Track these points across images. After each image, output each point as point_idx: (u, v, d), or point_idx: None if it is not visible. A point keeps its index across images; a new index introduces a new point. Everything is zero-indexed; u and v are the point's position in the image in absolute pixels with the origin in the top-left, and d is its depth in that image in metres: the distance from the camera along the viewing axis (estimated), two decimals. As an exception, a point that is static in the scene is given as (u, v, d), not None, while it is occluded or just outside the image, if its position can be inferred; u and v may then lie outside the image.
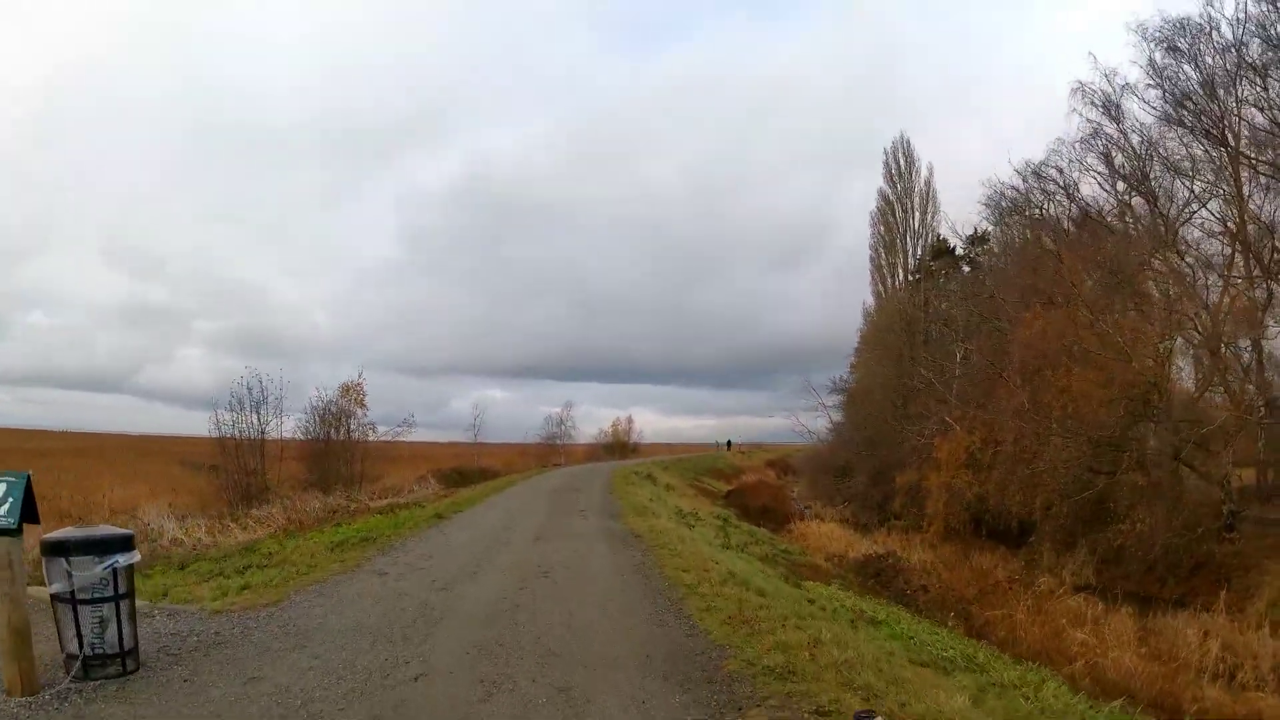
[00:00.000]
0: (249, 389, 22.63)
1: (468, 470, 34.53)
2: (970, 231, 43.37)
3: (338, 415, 25.56)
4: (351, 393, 26.67)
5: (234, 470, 21.24)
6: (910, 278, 50.21)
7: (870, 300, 57.19)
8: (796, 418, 46.48)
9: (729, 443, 78.91)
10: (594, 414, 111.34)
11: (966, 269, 48.10)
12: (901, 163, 50.40)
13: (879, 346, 50.72)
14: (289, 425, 25.28)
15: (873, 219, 53.93)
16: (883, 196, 52.09)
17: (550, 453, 56.44)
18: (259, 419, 22.66)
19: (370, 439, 27.49)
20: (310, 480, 23.75)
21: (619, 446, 63.40)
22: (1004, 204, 32.94)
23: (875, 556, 20.07)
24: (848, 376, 54.74)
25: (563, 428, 57.86)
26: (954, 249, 49.98)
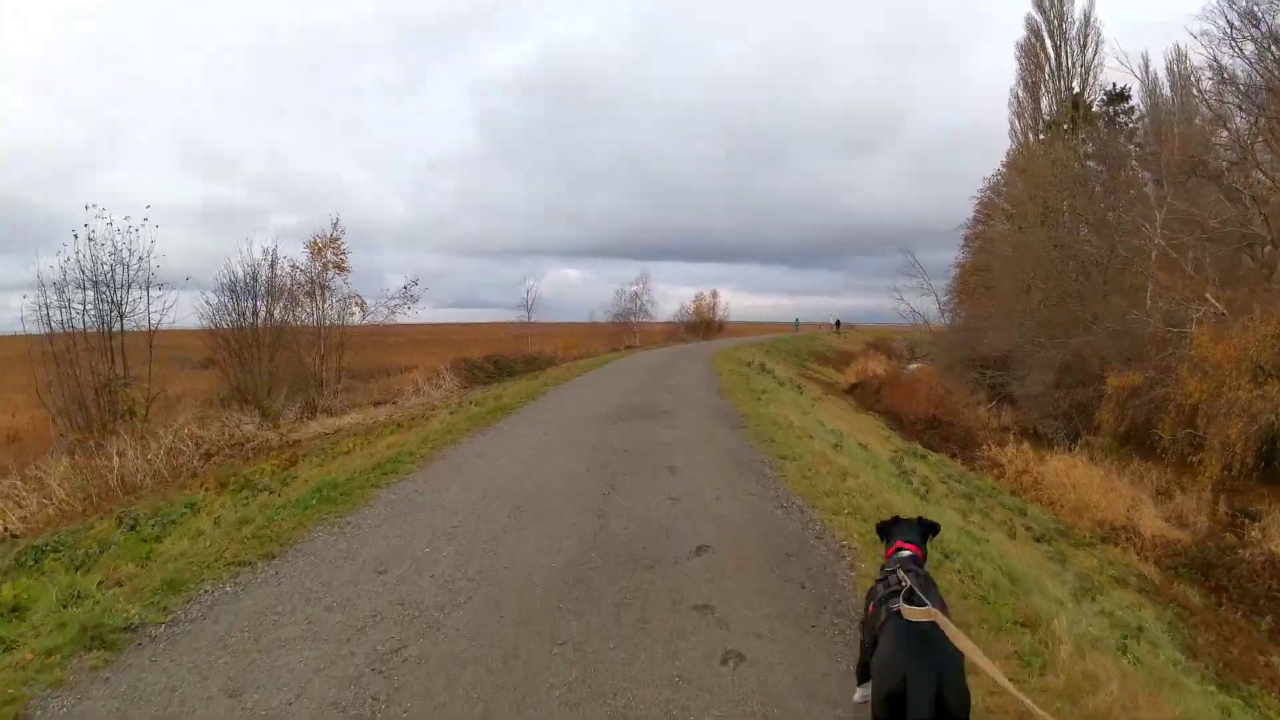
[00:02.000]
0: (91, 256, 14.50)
1: (507, 360, 26.83)
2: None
3: (280, 289, 17.56)
4: (323, 252, 18.72)
5: (70, 384, 13.55)
6: (1066, 124, 39.33)
7: (1011, 150, 46.87)
8: (902, 298, 41.94)
9: (837, 322, 69.98)
10: (670, 293, 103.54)
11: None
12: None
13: (1027, 206, 40.58)
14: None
15: (1018, 51, 42.98)
16: (1030, 27, 41.06)
17: (623, 332, 48.55)
18: (111, 298, 14.72)
19: (354, 320, 19.64)
20: (227, 391, 16.27)
21: (703, 325, 55.12)
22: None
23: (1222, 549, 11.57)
24: (960, 253, 50.62)
25: (638, 303, 49.70)
26: (1126, 91, 39.16)
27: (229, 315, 17.21)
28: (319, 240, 18.68)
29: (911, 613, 2.59)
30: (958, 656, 2.45)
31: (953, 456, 18.78)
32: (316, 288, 18.54)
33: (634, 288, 49.98)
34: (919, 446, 17.24)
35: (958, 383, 34.97)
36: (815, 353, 47.90)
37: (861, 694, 3.25)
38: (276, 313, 17.63)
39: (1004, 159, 52.05)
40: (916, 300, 51.18)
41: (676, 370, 20.65)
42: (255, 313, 17.65)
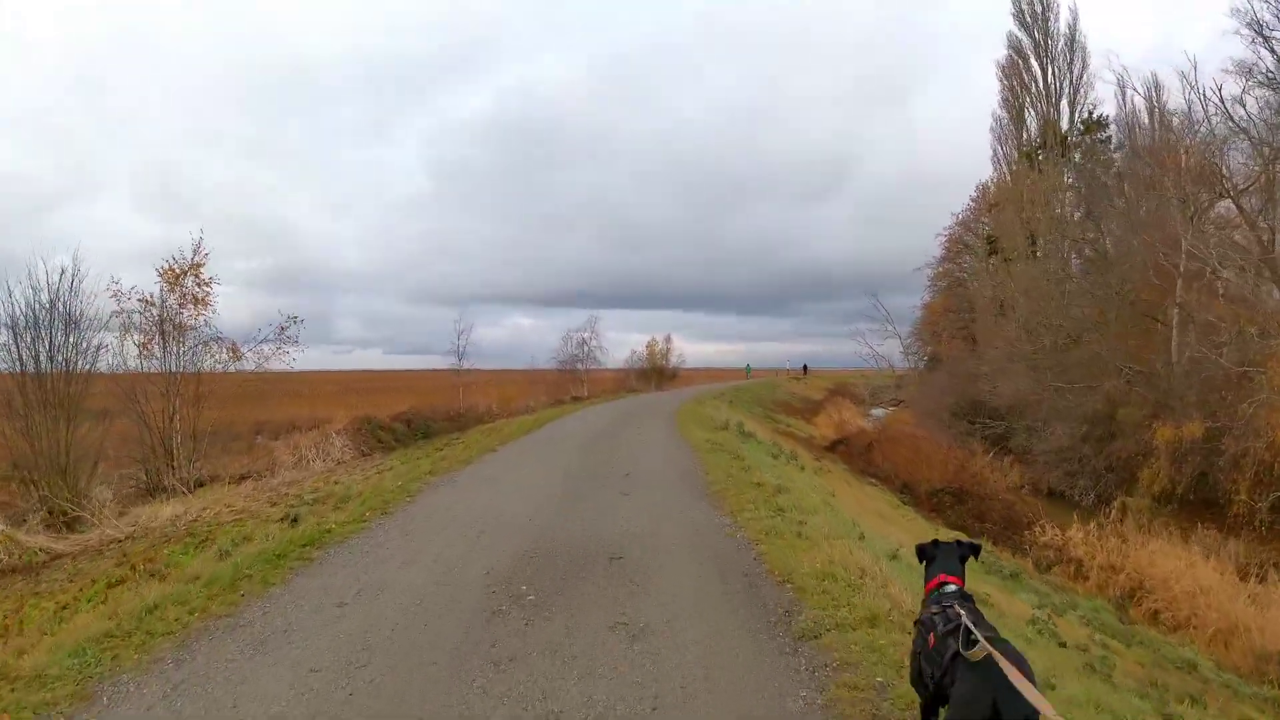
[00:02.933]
0: None
1: (423, 418, 21.78)
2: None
3: (87, 321, 12.22)
4: (180, 281, 13.69)
5: None
6: (1058, 148, 36.40)
7: (992, 179, 44.06)
8: (866, 341, 39.94)
9: (804, 367, 66.37)
10: (622, 339, 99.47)
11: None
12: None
13: (1017, 237, 37.36)
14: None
15: (1000, 71, 40.27)
16: (1012, 44, 38.41)
17: (569, 381, 43.66)
18: None
19: (220, 366, 14.48)
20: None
21: (655, 373, 50.46)
22: None
23: None
24: (926, 293, 50.34)
25: (585, 349, 44.88)
26: (1104, 119, 36.54)
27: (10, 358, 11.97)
28: (174, 266, 13.60)
29: (973, 654, 2.70)
30: (1032, 675, 2.61)
31: (994, 542, 14.39)
32: (170, 327, 13.49)
33: (583, 333, 45.20)
34: (947, 531, 12.82)
35: (941, 432, 30.91)
36: (779, 402, 43.74)
37: None
38: (83, 357, 12.41)
39: (973, 193, 49.51)
40: (879, 344, 49.42)
41: (634, 438, 15.31)
42: (52, 356, 12.41)
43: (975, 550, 3.45)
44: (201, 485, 13.09)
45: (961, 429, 31.49)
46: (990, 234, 41.06)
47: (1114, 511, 19.76)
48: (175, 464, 13.29)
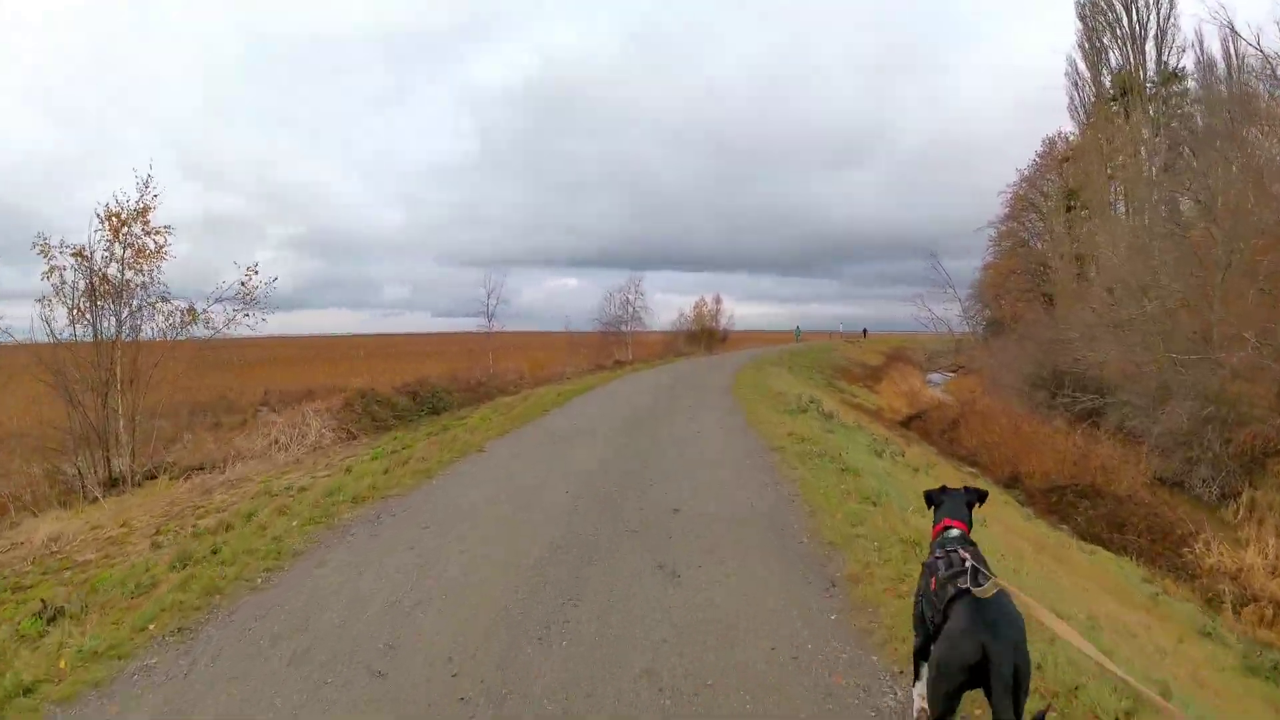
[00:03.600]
0: None
1: (434, 390, 19.35)
2: None
3: None
4: (124, 229, 11.38)
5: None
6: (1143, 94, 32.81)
7: (1070, 131, 40.58)
8: (925, 304, 42.27)
9: (864, 331, 63.58)
10: (663, 301, 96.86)
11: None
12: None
13: (1098, 187, 34.02)
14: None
15: (1080, 10, 36.68)
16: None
17: (613, 344, 41.41)
18: None
19: (174, 334, 12.06)
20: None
21: (705, 335, 47.91)
22: None
23: None
24: (991, 247, 48.62)
25: (630, 310, 42.49)
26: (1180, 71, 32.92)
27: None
28: (117, 211, 11.35)
29: (983, 591, 2.73)
30: (1023, 625, 2.67)
31: (1142, 560, 11.94)
32: (104, 284, 11.26)
33: (626, 293, 42.74)
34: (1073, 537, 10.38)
35: (1019, 404, 28.14)
36: (838, 367, 40.95)
37: (920, 689, 3.28)
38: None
39: (1039, 147, 45.93)
40: (938, 307, 48.87)
41: (685, 429, 11.81)
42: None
43: (982, 497, 3.52)
44: (153, 479, 10.99)
45: (1040, 400, 28.74)
46: (1071, 187, 37.60)
47: (1241, 508, 17.27)
48: (110, 454, 11.08)
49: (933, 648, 2.89)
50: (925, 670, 3.10)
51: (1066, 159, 44.37)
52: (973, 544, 3.16)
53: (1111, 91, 34.04)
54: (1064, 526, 13.98)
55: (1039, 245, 51.22)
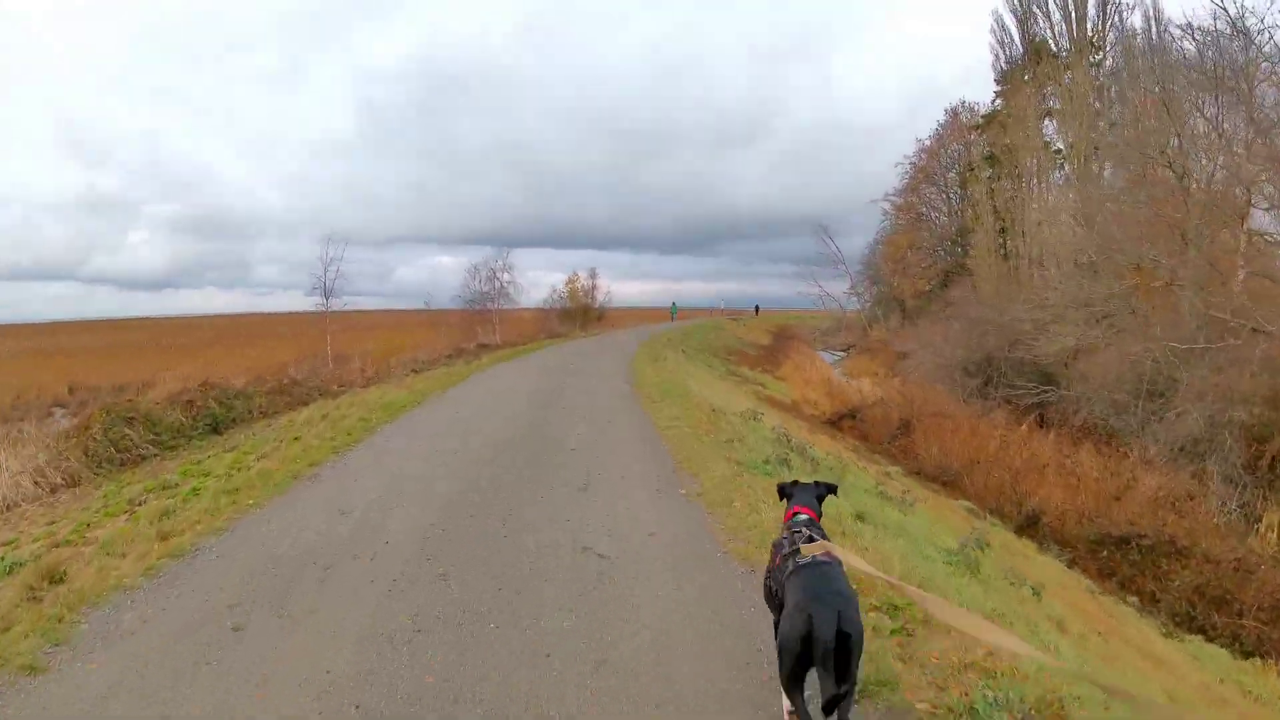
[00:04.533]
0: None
1: (227, 392, 13.16)
2: None
3: None
4: None
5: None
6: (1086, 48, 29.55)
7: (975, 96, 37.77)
8: (817, 281, 42.65)
9: (756, 308, 59.44)
10: (543, 280, 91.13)
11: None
12: None
13: (1029, 150, 30.63)
14: None
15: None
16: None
17: (477, 323, 35.19)
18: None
19: None
20: None
21: (580, 313, 42.35)
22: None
23: None
24: (885, 219, 48.68)
25: (498, 285, 36.24)
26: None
27: None
28: None
29: (808, 548, 2.86)
30: (853, 596, 2.67)
31: (1254, 654, 7.47)
32: None
33: (494, 266, 36.42)
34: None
35: (944, 391, 24.21)
36: (730, 349, 36.31)
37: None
38: None
39: (941, 117, 43.08)
40: (828, 284, 47.54)
41: (581, 475, 7.05)
42: None
43: (832, 489, 3.55)
44: None
45: (972, 388, 24.97)
46: (993, 153, 34.16)
47: (1262, 529, 13.53)
48: None
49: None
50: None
51: (977, 127, 41.34)
52: (819, 528, 3.20)
53: (1054, 48, 30.48)
54: (1132, 599, 9.36)
55: (938, 219, 48.61)
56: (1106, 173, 26.18)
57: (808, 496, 3.40)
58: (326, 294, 26.62)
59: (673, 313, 56.97)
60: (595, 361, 19.49)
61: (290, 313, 26.34)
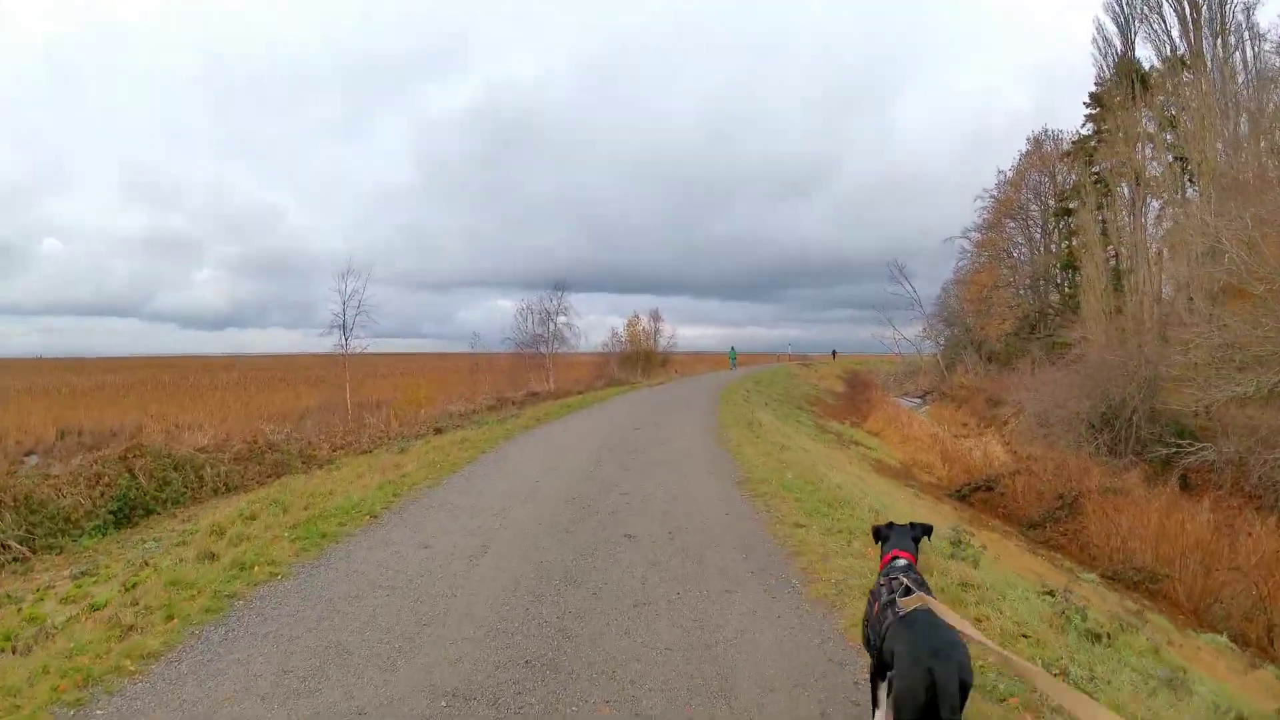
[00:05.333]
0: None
1: (187, 464, 10.01)
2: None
3: None
4: None
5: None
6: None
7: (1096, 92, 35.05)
8: (892, 326, 40.93)
9: (833, 353, 56.41)
10: (600, 323, 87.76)
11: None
12: None
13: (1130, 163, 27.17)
14: None
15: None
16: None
17: (529, 367, 32.66)
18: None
19: None
20: None
21: (641, 358, 39.64)
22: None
23: None
24: (960, 256, 46.09)
25: (552, 326, 33.67)
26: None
27: None
28: None
29: (906, 602, 2.75)
30: (964, 644, 2.58)
31: None
32: None
33: (547, 307, 33.83)
34: None
35: (1066, 448, 20.67)
36: (809, 397, 33.12)
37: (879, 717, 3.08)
38: None
39: (1023, 146, 39.75)
40: (892, 329, 47.99)
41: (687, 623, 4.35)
42: None
43: (928, 531, 3.49)
44: None
45: (1101, 444, 21.44)
46: (1100, 175, 30.59)
47: None
48: None
49: (886, 693, 2.83)
50: (882, 696, 2.92)
51: (1067, 154, 37.91)
52: (917, 574, 3.13)
53: (1166, 54, 27.17)
54: None
55: (1020, 255, 44.98)
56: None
57: (904, 540, 3.34)
58: (345, 333, 23.52)
59: (731, 359, 53.79)
60: (671, 423, 15.80)
61: (331, 354, 23.85)
